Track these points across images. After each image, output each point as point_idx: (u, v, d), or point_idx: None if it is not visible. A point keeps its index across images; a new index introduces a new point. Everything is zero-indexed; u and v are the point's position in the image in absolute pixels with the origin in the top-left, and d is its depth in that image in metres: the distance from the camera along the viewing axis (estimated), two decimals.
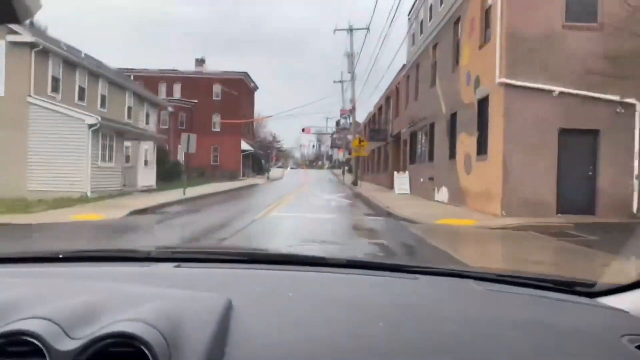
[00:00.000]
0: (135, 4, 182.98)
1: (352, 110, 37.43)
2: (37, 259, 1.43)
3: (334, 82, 50.70)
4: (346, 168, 58.33)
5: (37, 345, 0.70)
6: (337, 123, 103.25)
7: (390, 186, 27.45)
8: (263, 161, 65.24)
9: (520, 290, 1.22)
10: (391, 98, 33.20)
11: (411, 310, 1.02)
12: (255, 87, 59.26)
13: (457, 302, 1.11)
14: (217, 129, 50.38)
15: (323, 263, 1.41)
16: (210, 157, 50.43)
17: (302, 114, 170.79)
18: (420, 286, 1.23)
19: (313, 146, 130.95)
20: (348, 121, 56.14)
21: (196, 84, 49.62)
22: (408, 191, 23.63)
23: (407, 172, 24.86)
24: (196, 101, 49.91)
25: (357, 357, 0.81)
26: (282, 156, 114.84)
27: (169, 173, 30.37)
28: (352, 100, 37.00)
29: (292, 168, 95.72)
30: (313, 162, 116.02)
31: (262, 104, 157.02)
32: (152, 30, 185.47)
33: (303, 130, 69.67)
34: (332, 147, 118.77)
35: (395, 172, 26.24)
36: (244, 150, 50.66)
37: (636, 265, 3.86)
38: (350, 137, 66.78)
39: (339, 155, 62.08)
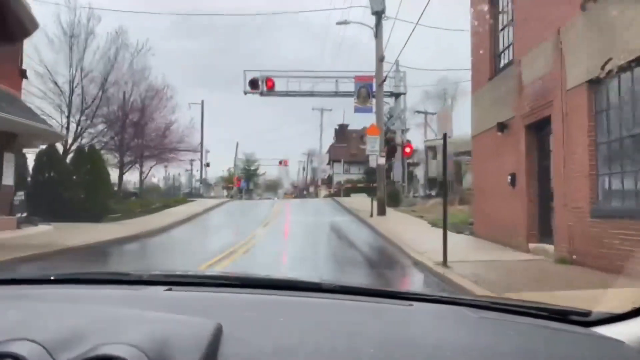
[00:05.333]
0: None
1: None
2: (28, 280, 1.46)
3: None
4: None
5: None
6: (337, 130, 63.66)
7: None
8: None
9: (514, 319, 1.20)
10: None
11: (404, 337, 1.01)
12: None
13: (450, 330, 1.10)
14: None
15: (316, 289, 1.38)
16: None
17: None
18: (414, 313, 1.21)
19: (303, 168, 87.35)
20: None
21: None
22: None
23: None
24: None
25: None
26: (265, 184, 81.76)
27: None
28: None
29: (267, 198, 56.71)
30: (304, 190, 76.42)
31: None
32: None
33: (253, 85, 23.62)
34: (330, 161, 73.45)
35: None
36: None
37: (631, 294, 2.61)
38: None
39: (376, 155, 20.27)
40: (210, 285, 1.42)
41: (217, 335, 0.87)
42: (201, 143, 42.93)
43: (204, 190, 51.29)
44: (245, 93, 25.97)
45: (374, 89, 23.57)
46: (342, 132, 66.01)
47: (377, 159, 20.73)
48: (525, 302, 1.37)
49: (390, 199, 21.99)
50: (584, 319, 1.20)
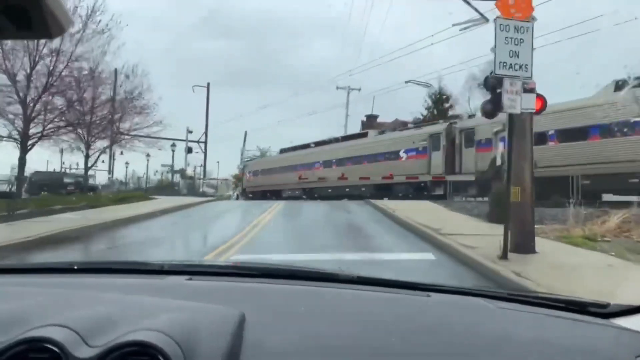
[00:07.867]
0: None
1: None
2: (53, 269, 1.50)
3: None
4: None
5: (56, 352, 0.71)
6: (364, 122, 55.00)
7: None
8: None
9: (532, 310, 1.20)
10: None
11: (423, 327, 1.02)
12: None
13: (468, 320, 1.09)
14: None
15: (335, 279, 1.39)
16: None
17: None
18: (432, 304, 1.21)
19: None
20: None
21: None
22: None
23: None
24: None
25: None
26: None
27: None
28: None
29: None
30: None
31: None
32: None
33: None
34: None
35: None
36: None
37: None
38: None
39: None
40: (230, 275, 1.46)
41: (241, 323, 0.89)
42: (205, 132, 35.93)
43: (196, 187, 39.36)
44: None
45: None
46: (370, 124, 52.41)
47: (521, 95, 7.16)
48: (542, 294, 1.40)
49: (498, 207, 9.67)
50: (602, 311, 1.20)
